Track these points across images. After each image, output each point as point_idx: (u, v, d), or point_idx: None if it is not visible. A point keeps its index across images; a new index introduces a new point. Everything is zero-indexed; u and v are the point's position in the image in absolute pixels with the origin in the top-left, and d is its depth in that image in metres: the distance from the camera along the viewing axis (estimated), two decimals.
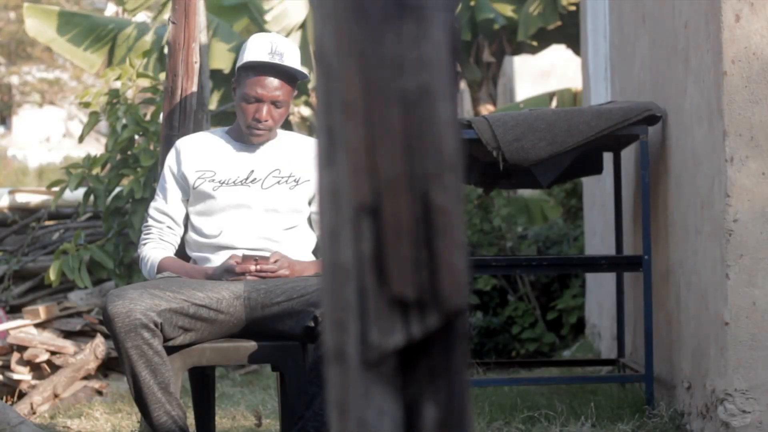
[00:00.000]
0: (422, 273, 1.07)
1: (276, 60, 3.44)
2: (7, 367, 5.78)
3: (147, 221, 3.59)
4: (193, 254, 3.52)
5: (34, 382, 5.67)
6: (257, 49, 3.46)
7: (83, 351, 5.60)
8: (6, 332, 5.79)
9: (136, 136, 5.44)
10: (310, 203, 3.54)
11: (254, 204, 3.48)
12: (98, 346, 5.60)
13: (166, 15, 8.53)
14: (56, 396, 5.41)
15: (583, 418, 4.31)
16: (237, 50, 8.73)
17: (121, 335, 3.12)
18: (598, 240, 6.66)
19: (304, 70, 3.51)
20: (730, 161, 3.76)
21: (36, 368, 5.74)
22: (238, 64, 3.51)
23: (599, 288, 6.69)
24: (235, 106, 3.57)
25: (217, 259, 3.45)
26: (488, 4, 9.84)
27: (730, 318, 3.80)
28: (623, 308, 5.37)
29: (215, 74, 8.95)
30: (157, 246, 3.54)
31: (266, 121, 3.46)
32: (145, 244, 3.56)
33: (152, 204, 3.59)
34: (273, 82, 3.46)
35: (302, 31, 9.52)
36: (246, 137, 3.52)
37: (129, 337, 3.12)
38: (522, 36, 9.51)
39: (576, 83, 11.72)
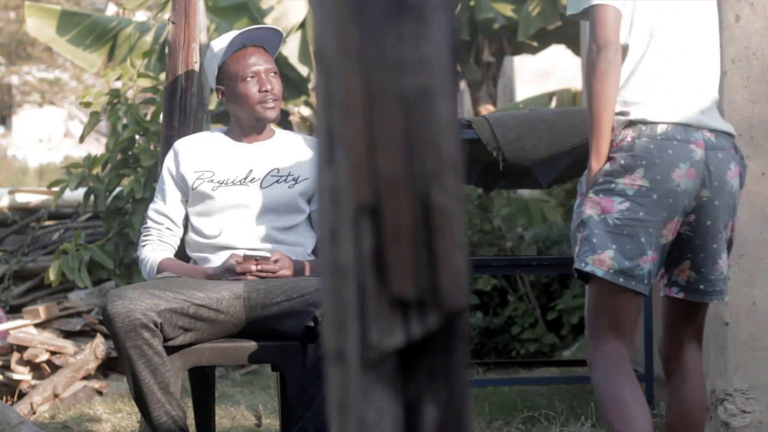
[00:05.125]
0: (422, 273, 1.07)
1: (239, 32, 3.53)
2: (7, 367, 5.78)
3: (146, 223, 3.59)
4: (193, 255, 3.52)
5: (34, 382, 5.67)
6: (222, 40, 3.55)
7: (83, 351, 5.60)
8: (6, 332, 5.79)
9: (137, 136, 5.44)
10: (309, 202, 3.54)
11: (253, 203, 3.48)
12: (98, 346, 5.60)
13: (166, 15, 8.53)
14: (56, 396, 5.41)
15: (583, 418, 4.31)
16: None
17: (121, 335, 3.12)
18: None
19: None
20: None
21: (36, 368, 5.74)
22: (216, 67, 3.53)
23: None
24: (232, 104, 3.55)
25: (217, 260, 3.45)
26: (488, 4, 9.83)
27: (730, 318, 3.80)
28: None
29: None
30: (156, 247, 3.54)
31: (273, 89, 3.50)
32: (144, 246, 3.56)
33: (151, 206, 3.60)
34: (256, 51, 3.54)
35: (302, 31, 9.52)
36: (260, 117, 3.51)
37: (129, 337, 3.12)
38: (522, 36, 9.50)
39: (576, 83, 11.71)
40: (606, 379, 2.81)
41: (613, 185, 2.78)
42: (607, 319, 2.84)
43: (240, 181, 3.50)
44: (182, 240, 3.58)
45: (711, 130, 2.86)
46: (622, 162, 2.78)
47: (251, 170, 3.52)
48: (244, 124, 3.56)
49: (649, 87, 2.85)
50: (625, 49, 2.88)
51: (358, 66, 1.08)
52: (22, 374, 5.71)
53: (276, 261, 3.38)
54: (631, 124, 2.82)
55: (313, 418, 3.13)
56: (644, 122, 2.81)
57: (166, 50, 4.16)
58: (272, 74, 3.53)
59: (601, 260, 2.80)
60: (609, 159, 2.82)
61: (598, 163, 2.82)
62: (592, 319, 2.89)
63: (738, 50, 3.77)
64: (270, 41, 3.61)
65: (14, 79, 23.13)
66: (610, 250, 2.78)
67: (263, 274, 3.36)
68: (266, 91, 3.48)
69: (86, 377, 5.65)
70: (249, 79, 3.49)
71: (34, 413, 5.24)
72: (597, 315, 2.87)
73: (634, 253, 2.78)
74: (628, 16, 2.87)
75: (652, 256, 2.81)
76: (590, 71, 2.81)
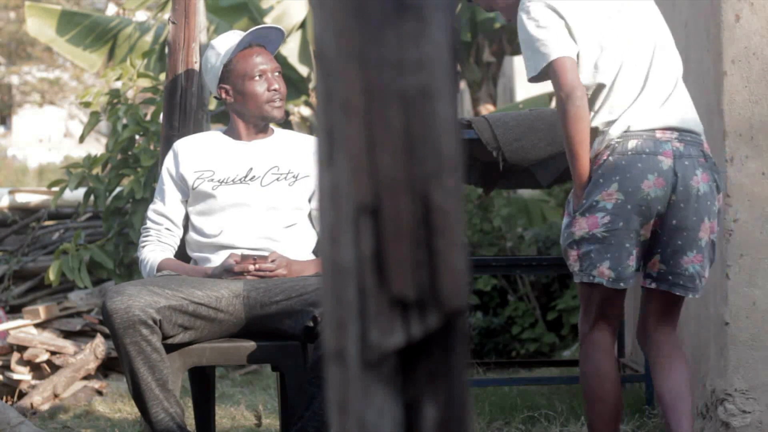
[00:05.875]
0: (422, 273, 1.07)
1: (247, 32, 3.53)
2: (7, 367, 5.78)
3: (146, 223, 3.59)
4: (194, 254, 3.52)
5: (34, 382, 5.67)
6: (227, 39, 3.54)
7: (83, 351, 5.60)
8: (6, 332, 5.79)
9: (137, 136, 5.44)
10: (309, 200, 3.54)
11: (254, 202, 3.48)
12: (98, 346, 5.60)
13: (166, 15, 8.53)
14: (56, 396, 5.41)
15: (583, 418, 4.31)
16: None
17: (119, 331, 3.12)
18: None
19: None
20: (730, 161, 3.76)
21: (36, 368, 5.74)
22: (221, 66, 3.53)
23: None
24: (237, 103, 3.55)
25: (217, 259, 3.45)
26: None
27: (730, 318, 3.80)
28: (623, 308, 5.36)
29: None
30: (155, 248, 3.54)
31: (280, 88, 3.52)
32: (144, 247, 3.56)
33: (151, 206, 3.60)
34: (261, 51, 3.56)
35: (302, 31, 9.52)
36: (267, 116, 3.53)
37: (127, 334, 3.12)
38: None
39: None
40: (592, 363, 3.28)
41: (594, 203, 3.21)
42: (599, 311, 3.30)
43: (240, 179, 3.50)
44: (182, 240, 3.58)
45: (680, 140, 3.22)
46: (600, 180, 3.21)
47: (251, 168, 3.52)
48: (249, 123, 3.56)
49: (619, 108, 3.24)
50: (598, 87, 3.26)
51: (358, 66, 1.08)
52: (22, 374, 5.71)
53: (273, 261, 3.38)
54: (607, 145, 3.22)
55: (313, 418, 3.13)
56: (617, 140, 3.21)
57: (166, 50, 4.16)
58: (277, 74, 3.55)
59: (601, 272, 3.23)
60: (589, 178, 3.25)
61: (581, 190, 3.24)
62: (584, 311, 3.34)
63: (738, 50, 3.77)
64: (272, 41, 3.61)
65: (14, 79, 23.13)
66: (606, 260, 3.22)
67: (261, 274, 3.36)
68: (275, 90, 3.50)
69: (86, 377, 5.64)
70: (257, 78, 3.50)
71: (35, 413, 5.24)
72: (588, 308, 3.32)
73: (623, 257, 3.22)
74: (593, 58, 3.26)
75: (636, 254, 3.25)
76: (563, 117, 3.21)
